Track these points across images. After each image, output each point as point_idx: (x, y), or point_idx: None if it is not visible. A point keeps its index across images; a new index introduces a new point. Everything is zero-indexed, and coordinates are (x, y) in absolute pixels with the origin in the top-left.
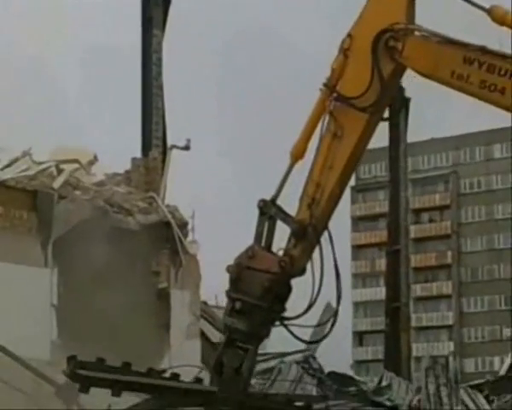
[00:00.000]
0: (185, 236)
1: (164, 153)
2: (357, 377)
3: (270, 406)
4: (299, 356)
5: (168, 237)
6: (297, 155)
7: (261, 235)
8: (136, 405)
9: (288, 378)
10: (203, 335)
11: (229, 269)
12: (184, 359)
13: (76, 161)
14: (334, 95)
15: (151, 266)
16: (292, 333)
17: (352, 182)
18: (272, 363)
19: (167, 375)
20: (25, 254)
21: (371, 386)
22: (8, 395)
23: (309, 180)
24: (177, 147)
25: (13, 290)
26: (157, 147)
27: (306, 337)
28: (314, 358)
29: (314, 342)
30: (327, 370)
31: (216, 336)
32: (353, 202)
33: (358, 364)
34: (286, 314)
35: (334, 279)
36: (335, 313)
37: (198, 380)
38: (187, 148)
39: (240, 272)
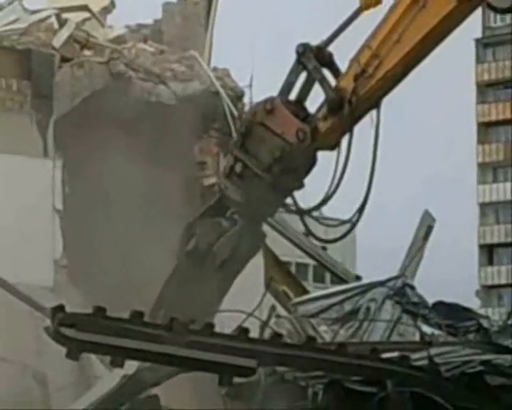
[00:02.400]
0: (240, 112)
1: None
2: (475, 310)
3: (344, 361)
4: (390, 286)
5: (216, 113)
6: (368, 1)
7: (290, 87)
8: None
9: (381, 319)
10: (267, 248)
11: (241, 117)
12: (242, 284)
13: (85, 7)
14: None
15: (193, 156)
16: (305, 225)
17: (478, 33)
18: (356, 302)
19: (196, 327)
20: (14, 140)
21: (496, 323)
22: None
23: (365, 45)
24: None
25: None
26: None
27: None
28: (412, 287)
29: (331, 241)
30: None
31: (286, 250)
32: (480, 60)
33: (487, 290)
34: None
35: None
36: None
37: (243, 331)
38: None
39: (251, 126)
